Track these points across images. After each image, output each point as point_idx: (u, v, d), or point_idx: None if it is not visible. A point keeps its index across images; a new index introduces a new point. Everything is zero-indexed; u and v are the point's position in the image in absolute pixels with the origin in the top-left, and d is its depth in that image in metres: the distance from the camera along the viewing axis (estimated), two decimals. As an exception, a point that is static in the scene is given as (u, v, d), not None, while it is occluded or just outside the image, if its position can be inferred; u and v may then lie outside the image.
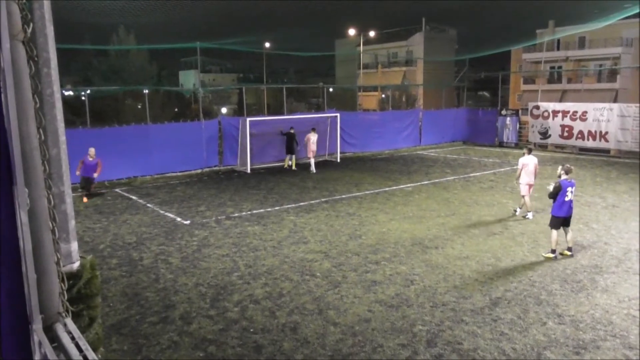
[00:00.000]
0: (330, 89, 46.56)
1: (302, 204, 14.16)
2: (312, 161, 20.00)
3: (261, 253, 9.88)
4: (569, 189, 9.31)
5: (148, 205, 14.31)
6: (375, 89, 49.46)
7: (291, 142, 20.32)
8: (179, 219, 12.64)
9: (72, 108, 27.94)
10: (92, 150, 14.85)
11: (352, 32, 46.98)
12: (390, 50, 58.16)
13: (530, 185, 12.31)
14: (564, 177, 9.42)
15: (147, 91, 25.63)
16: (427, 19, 53.68)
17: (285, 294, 7.87)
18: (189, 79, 65.59)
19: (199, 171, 19.78)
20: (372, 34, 48.73)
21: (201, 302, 7.64)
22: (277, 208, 13.66)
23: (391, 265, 9.08)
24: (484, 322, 6.83)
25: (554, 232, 9.38)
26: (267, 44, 36.06)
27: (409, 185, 16.77)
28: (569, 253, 9.47)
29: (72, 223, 2.93)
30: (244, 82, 68.13)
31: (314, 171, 19.55)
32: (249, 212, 13.21)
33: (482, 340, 6.35)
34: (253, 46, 27.65)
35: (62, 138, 2.62)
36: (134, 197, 15.36)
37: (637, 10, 24.88)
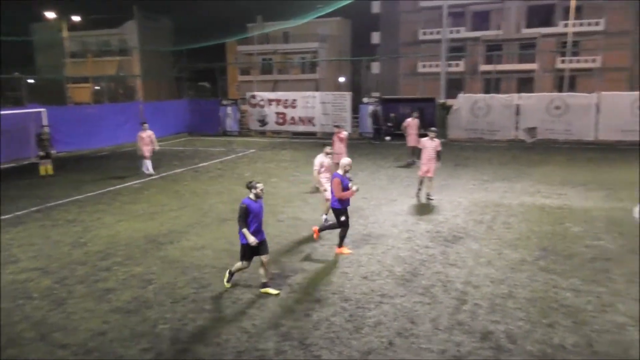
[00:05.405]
0: (31, 81, 40.47)
1: (5, 217, 11.97)
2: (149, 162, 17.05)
3: (-46, 284, 7.99)
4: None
5: None
6: (86, 79, 45.11)
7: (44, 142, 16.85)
8: None
9: None
10: None
11: (50, 15, 41.57)
12: (100, 38, 53.75)
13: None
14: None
15: None
16: (139, 7, 51.42)
17: (-6, 326, 6.56)
18: None
19: None
20: (77, 18, 44.09)
21: None
22: (-28, 226, 11.23)
23: (125, 269, 8.50)
24: (225, 306, 7.03)
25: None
26: None
27: (136, 181, 15.94)
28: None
29: None
30: None
31: (153, 173, 16.91)
32: None
33: (225, 323, 6.53)
34: None
35: None
36: None
37: (329, 10, 28.94)
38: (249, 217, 7.18)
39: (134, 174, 16.93)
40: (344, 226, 8.93)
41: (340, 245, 9.12)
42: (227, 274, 7.74)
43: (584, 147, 21.32)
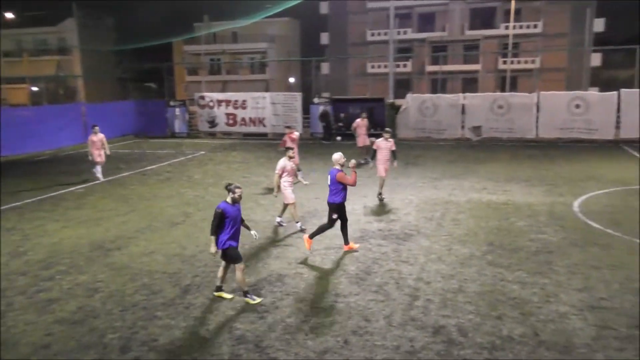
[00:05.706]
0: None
1: (-64, 226, 11.21)
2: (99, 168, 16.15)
3: None
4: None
5: None
6: (23, 80, 42.93)
7: None
8: None
9: None
10: None
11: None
12: (36, 36, 51.27)
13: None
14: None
15: None
16: (79, 5, 49.36)
17: None
18: None
19: None
20: (10, 15, 41.85)
21: None
22: None
23: (69, 278, 8.13)
24: (177, 312, 6.84)
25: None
26: None
27: (80, 186, 15.29)
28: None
29: None
30: None
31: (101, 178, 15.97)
32: None
33: (177, 330, 6.36)
34: None
35: None
36: None
37: (278, 10, 28.83)
38: (224, 222, 6.90)
39: (78, 179, 16.23)
40: (332, 224, 9.00)
41: (312, 236, 9.05)
42: (246, 298, 7.06)
43: (526, 145, 22.25)
